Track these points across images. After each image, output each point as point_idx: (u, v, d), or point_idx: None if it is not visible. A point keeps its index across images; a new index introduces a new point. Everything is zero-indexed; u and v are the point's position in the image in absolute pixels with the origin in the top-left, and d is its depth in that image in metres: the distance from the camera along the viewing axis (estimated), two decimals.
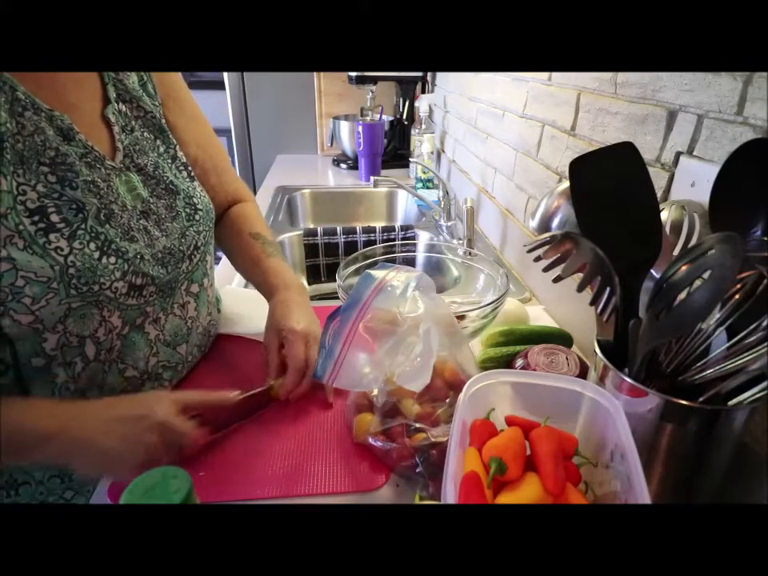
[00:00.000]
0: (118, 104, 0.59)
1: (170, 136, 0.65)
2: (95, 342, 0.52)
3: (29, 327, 0.47)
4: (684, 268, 0.41)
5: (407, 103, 1.89)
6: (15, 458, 0.48)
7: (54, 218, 0.48)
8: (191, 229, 0.63)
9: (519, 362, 0.63)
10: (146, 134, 0.62)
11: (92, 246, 0.50)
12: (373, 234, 1.34)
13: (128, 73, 0.61)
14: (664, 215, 0.48)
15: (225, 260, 1.10)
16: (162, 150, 0.63)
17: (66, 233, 0.48)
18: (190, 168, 0.67)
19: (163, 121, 0.65)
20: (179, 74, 0.73)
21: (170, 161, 0.64)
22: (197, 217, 0.64)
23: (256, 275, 0.74)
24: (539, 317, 0.87)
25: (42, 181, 0.48)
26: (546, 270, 0.47)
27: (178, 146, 0.66)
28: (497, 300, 0.67)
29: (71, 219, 0.49)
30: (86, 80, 0.57)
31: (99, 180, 0.53)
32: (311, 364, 0.61)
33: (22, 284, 0.45)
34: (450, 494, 0.36)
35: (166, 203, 0.61)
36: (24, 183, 0.46)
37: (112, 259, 0.51)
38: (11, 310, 0.45)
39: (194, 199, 0.65)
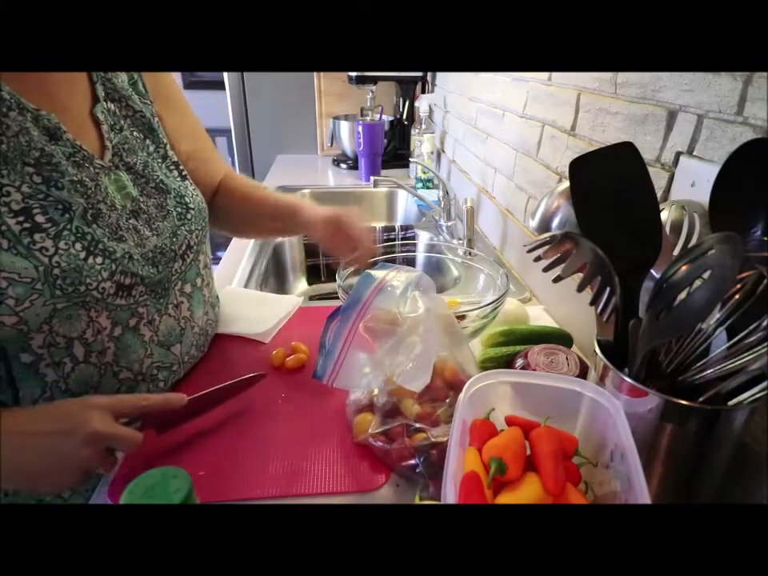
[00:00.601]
0: (106, 103, 0.58)
1: (160, 135, 0.65)
2: (83, 343, 0.52)
3: (13, 328, 0.46)
4: (684, 268, 0.41)
5: (407, 103, 1.89)
6: None
7: (40, 218, 0.47)
8: (183, 228, 0.63)
9: (519, 361, 0.63)
10: (135, 133, 0.61)
11: (78, 246, 0.49)
12: (373, 234, 1.34)
13: (117, 72, 0.61)
14: (664, 215, 0.48)
15: (224, 260, 1.11)
16: (151, 149, 0.63)
17: (52, 233, 0.48)
18: (181, 167, 0.67)
19: (155, 120, 0.64)
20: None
21: (159, 160, 0.64)
22: (188, 216, 0.64)
23: (270, 208, 0.79)
24: (539, 317, 0.87)
25: (27, 181, 0.47)
26: (546, 270, 0.47)
27: (168, 146, 0.66)
28: (497, 300, 0.67)
29: (57, 219, 0.49)
30: (76, 79, 0.56)
31: (87, 179, 0.52)
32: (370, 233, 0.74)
33: (5, 285, 0.45)
34: (450, 494, 0.36)
35: (157, 202, 0.61)
36: (8, 184, 0.46)
37: (99, 259, 0.51)
38: None
39: (186, 198, 0.65)
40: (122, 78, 0.61)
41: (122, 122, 0.60)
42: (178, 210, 0.63)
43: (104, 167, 0.55)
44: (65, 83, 0.54)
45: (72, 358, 0.52)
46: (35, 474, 0.45)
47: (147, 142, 0.63)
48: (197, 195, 0.68)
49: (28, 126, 0.48)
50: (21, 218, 0.46)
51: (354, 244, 0.72)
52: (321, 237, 0.74)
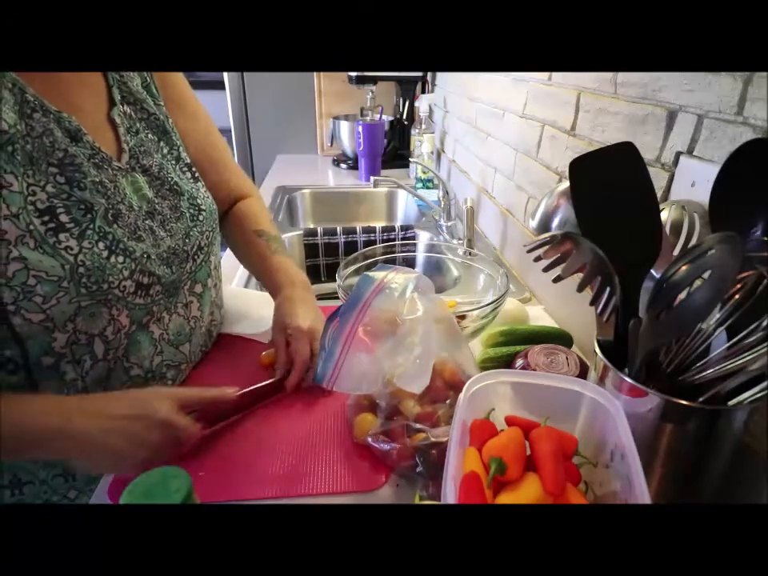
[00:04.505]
0: (123, 106, 0.59)
1: (174, 138, 0.66)
2: (104, 340, 0.53)
3: (39, 326, 0.47)
4: (684, 268, 0.41)
5: (407, 103, 1.89)
6: (16, 455, 0.48)
7: (64, 217, 0.48)
8: (195, 229, 0.64)
9: (519, 362, 0.63)
10: (150, 135, 0.62)
11: (101, 245, 0.50)
12: (373, 234, 1.34)
13: (132, 75, 0.62)
14: (664, 215, 0.48)
15: (225, 260, 1.10)
16: (165, 151, 0.64)
17: (76, 232, 0.49)
18: (194, 169, 0.68)
19: (169, 122, 0.65)
20: (181, 74, 0.73)
21: (173, 162, 0.65)
22: (200, 217, 0.65)
23: (261, 273, 0.76)
24: (539, 317, 0.87)
25: (51, 181, 0.48)
26: (546, 270, 0.47)
27: (181, 148, 0.66)
28: (497, 300, 0.67)
29: (80, 219, 0.50)
30: (92, 82, 0.57)
31: (106, 180, 0.53)
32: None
33: (34, 283, 0.45)
34: (450, 494, 0.36)
35: (171, 204, 0.61)
36: (34, 184, 0.47)
37: (120, 258, 0.52)
38: (23, 309, 0.45)
39: (198, 200, 0.65)
40: (136, 82, 0.62)
41: (138, 124, 0.61)
42: (191, 211, 0.64)
43: (121, 169, 0.56)
44: (77, 86, 0.55)
45: (92, 356, 0.53)
46: (114, 454, 0.47)
47: (161, 144, 0.64)
48: (208, 197, 0.68)
49: (51, 128, 0.49)
50: (46, 218, 0.47)
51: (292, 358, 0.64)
52: (274, 343, 0.67)
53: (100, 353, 0.53)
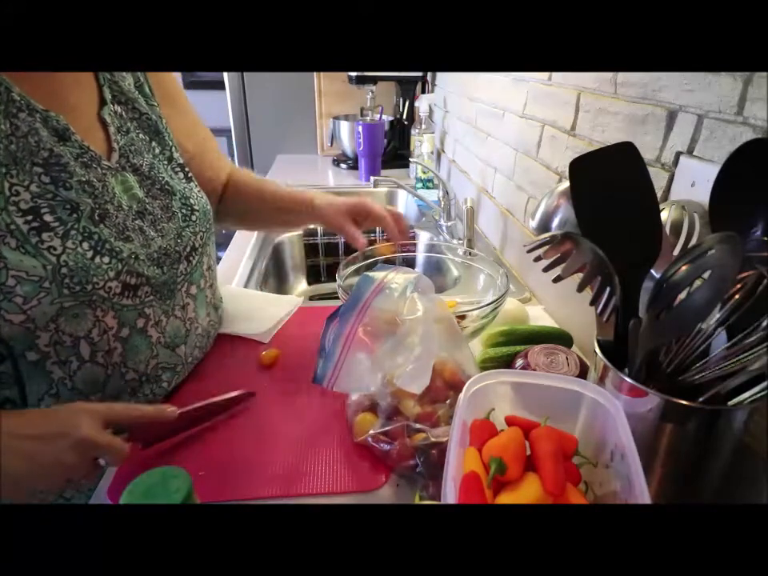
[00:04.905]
0: (113, 105, 0.59)
1: (166, 138, 0.65)
2: (90, 342, 0.52)
3: (20, 326, 0.47)
4: (684, 268, 0.41)
5: (407, 103, 1.89)
6: None
7: (48, 217, 0.48)
8: (187, 230, 0.63)
9: (519, 362, 0.63)
10: (141, 135, 0.62)
11: (85, 245, 0.50)
12: (373, 234, 1.34)
13: (124, 75, 0.62)
14: (664, 215, 0.48)
15: (224, 260, 1.11)
16: (157, 151, 0.64)
17: (60, 232, 0.48)
18: (187, 169, 0.67)
19: (162, 122, 0.65)
20: (171, 72, 0.74)
21: (165, 162, 0.64)
22: (193, 218, 0.64)
23: (284, 201, 0.81)
24: (539, 317, 0.87)
25: (35, 181, 0.48)
26: (546, 269, 0.47)
27: (174, 148, 0.66)
28: (497, 300, 0.67)
29: (65, 219, 0.49)
30: (85, 81, 0.57)
31: (95, 180, 0.53)
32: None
33: (13, 283, 0.45)
34: (450, 494, 0.36)
35: (162, 204, 0.61)
36: (17, 184, 0.47)
37: (105, 259, 0.51)
38: (2, 310, 0.45)
39: (191, 200, 0.65)
40: (128, 81, 0.62)
41: (129, 124, 0.61)
42: (183, 211, 0.63)
43: (111, 168, 0.56)
44: (73, 85, 0.55)
45: (78, 357, 0.52)
46: (19, 480, 0.42)
47: (153, 144, 0.64)
48: (201, 197, 0.68)
49: (37, 127, 0.49)
50: (29, 218, 0.47)
51: (378, 224, 0.77)
52: (339, 226, 0.76)
53: (86, 354, 0.52)
